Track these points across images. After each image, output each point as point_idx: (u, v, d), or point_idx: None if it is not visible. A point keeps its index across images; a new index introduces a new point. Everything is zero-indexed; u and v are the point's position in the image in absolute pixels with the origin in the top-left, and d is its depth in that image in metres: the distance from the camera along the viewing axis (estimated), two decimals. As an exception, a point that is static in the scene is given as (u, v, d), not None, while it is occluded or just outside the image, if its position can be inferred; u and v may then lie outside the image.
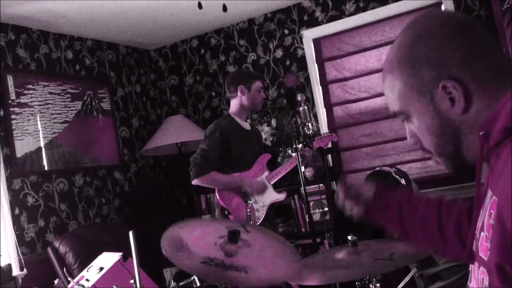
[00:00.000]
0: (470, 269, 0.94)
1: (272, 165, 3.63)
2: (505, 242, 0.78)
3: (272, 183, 3.47)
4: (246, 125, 3.53)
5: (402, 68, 0.97)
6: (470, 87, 0.91)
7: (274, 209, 3.56)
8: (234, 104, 3.51)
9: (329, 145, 3.75)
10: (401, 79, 0.97)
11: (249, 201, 3.30)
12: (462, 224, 1.17)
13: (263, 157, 3.52)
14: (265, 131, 4.73)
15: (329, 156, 4.58)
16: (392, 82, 1.00)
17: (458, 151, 0.96)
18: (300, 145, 3.39)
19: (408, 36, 0.99)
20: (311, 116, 4.69)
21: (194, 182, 3.33)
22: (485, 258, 0.84)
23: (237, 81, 3.47)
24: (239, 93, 3.44)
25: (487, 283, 0.84)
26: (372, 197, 1.32)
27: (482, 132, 0.88)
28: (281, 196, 3.49)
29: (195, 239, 1.54)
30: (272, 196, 3.47)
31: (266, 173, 3.48)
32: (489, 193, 0.87)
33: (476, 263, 0.90)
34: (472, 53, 0.92)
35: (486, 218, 0.85)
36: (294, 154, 3.34)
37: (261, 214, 3.35)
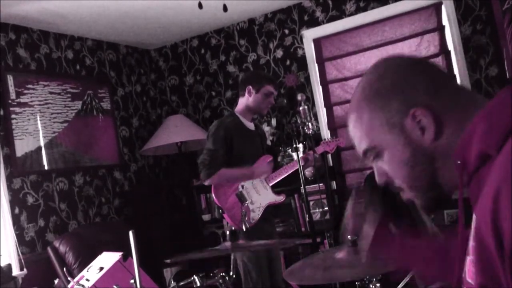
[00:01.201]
0: None
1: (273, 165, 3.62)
2: (486, 261, 0.77)
3: (271, 184, 3.45)
4: (251, 125, 3.50)
5: (370, 103, 0.98)
6: (438, 113, 0.92)
7: (272, 209, 3.55)
8: (240, 103, 3.49)
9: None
10: (369, 114, 0.98)
11: (245, 202, 3.28)
12: None
13: (264, 158, 3.49)
14: (265, 131, 4.74)
15: (329, 155, 4.58)
16: (360, 120, 1.01)
17: (434, 181, 0.95)
18: (301, 144, 3.39)
19: (372, 75, 1.02)
20: (311, 115, 4.69)
21: (207, 183, 3.32)
22: (472, 282, 0.83)
23: (248, 81, 3.45)
24: (246, 93, 3.42)
25: None
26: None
27: (459, 161, 0.88)
28: (279, 198, 3.46)
29: None
30: (270, 197, 3.44)
31: (265, 174, 3.45)
32: (474, 217, 0.86)
33: None
34: (435, 82, 0.96)
35: (471, 242, 0.85)
36: (295, 157, 3.32)
37: (256, 215, 3.32)
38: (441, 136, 0.92)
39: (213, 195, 3.36)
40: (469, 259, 0.85)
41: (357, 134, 1.02)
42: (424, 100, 0.93)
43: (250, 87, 3.40)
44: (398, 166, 0.97)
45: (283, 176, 3.49)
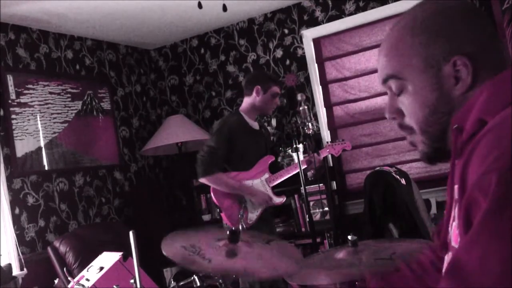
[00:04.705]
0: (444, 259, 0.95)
1: (273, 166, 3.59)
2: (467, 223, 0.78)
3: (272, 185, 3.42)
4: (255, 125, 3.49)
5: (414, 37, 0.95)
6: (478, 67, 0.90)
7: (272, 210, 3.52)
8: (246, 102, 3.47)
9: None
10: (410, 45, 0.95)
11: (244, 202, 3.25)
12: None
13: (266, 158, 3.46)
14: (266, 131, 4.74)
15: (329, 156, 4.58)
16: (395, 48, 0.97)
17: (444, 133, 0.94)
18: (301, 145, 3.37)
19: (425, 11, 0.96)
20: (311, 115, 4.69)
21: (201, 180, 3.31)
22: (457, 246, 0.84)
23: (256, 80, 3.43)
24: (254, 93, 3.40)
25: None
26: None
27: (455, 126, 0.88)
28: (279, 200, 3.42)
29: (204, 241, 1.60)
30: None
31: (266, 175, 3.42)
32: (456, 186, 0.86)
33: (450, 253, 0.90)
34: (484, 36, 0.93)
35: (457, 210, 0.85)
36: (300, 158, 3.29)
37: (254, 216, 3.30)
38: (470, 91, 0.91)
39: (211, 194, 3.35)
40: (455, 225, 0.86)
41: (387, 57, 0.98)
42: (469, 50, 0.91)
43: (259, 87, 3.39)
44: (420, 106, 0.95)
45: (284, 178, 3.46)
